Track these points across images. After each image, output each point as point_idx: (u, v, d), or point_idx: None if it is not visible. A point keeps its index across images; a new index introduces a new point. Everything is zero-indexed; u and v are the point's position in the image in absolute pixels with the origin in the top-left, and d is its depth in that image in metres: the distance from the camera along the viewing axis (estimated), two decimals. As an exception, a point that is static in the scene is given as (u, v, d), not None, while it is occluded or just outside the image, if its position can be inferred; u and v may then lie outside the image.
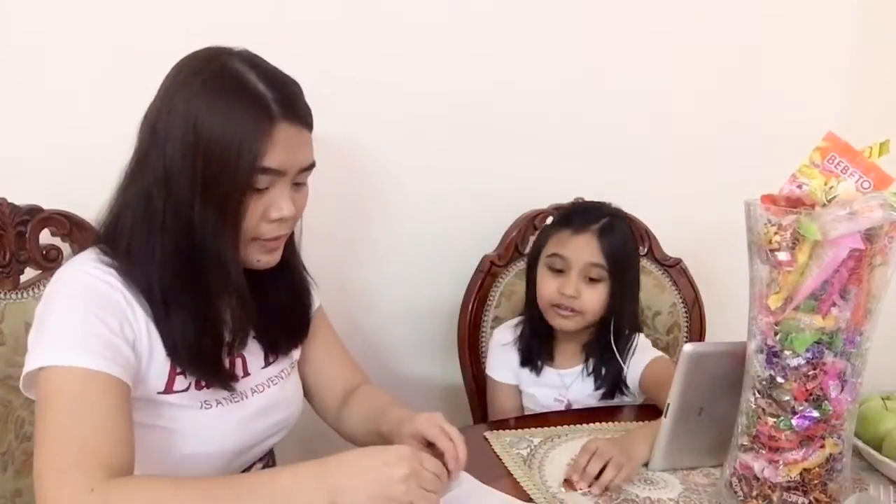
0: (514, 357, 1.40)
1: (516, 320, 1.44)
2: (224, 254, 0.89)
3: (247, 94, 0.87)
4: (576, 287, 1.31)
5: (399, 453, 0.81)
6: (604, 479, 1.00)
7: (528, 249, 1.53)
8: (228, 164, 0.86)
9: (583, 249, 1.32)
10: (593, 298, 1.32)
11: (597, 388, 1.37)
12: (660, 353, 1.38)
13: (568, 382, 1.38)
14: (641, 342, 1.39)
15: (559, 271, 1.33)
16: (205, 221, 0.87)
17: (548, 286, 1.34)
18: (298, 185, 0.95)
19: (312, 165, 0.95)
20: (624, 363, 1.35)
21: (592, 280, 1.32)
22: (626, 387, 1.36)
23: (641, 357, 1.36)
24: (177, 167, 0.87)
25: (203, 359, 0.92)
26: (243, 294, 0.94)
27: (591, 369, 1.37)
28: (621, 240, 1.35)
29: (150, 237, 0.89)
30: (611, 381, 1.36)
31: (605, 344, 1.36)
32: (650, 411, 1.26)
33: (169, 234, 0.88)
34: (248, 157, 0.86)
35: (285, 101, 0.89)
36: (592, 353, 1.38)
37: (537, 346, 1.39)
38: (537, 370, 1.39)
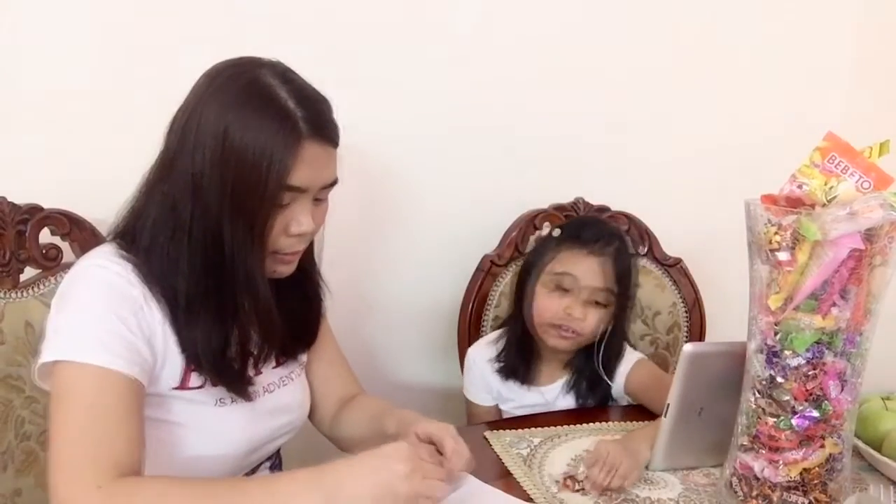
0: (492, 377, 1.37)
1: (493, 336, 1.41)
2: (253, 270, 0.90)
3: (277, 110, 0.87)
4: (583, 309, 1.27)
5: (399, 451, 0.81)
6: (607, 485, 1.00)
7: (528, 249, 1.51)
8: (258, 180, 0.86)
9: (597, 273, 1.28)
10: (596, 321, 1.29)
11: (581, 405, 1.35)
12: (640, 356, 1.37)
13: (551, 399, 1.36)
14: (626, 350, 1.36)
15: (565, 290, 1.29)
16: (234, 235, 0.88)
17: (552, 304, 1.29)
18: (319, 200, 0.95)
19: (335, 182, 0.95)
20: (611, 378, 1.33)
21: (598, 304, 1.29)
22: (613, 400, 1.35)
23: (625, 364, 1.34)
24: (206, 178, 0.87)
25: (226, 369, 0.93)
26: (271, 311, 0.94)
27: (572, 384, 1.35)
28: (629, 263, 1.32)
29: (174, 244, 0.89)
30: (598, 396, 1.35)
31: (588, 363, 1.33)
32: (635, 412, 1.27)
33: (196, 245, 0.89)
34: (275, 175, 0.86)
35: (314, 120, 0.89)
36: (576, 370, 1.35)
37: (520, 363, 1.35)
38: (520, 383, 1.36)
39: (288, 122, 0.87)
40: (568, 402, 1.36)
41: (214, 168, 0.86)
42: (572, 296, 1.28)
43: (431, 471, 0.82)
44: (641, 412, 1.27)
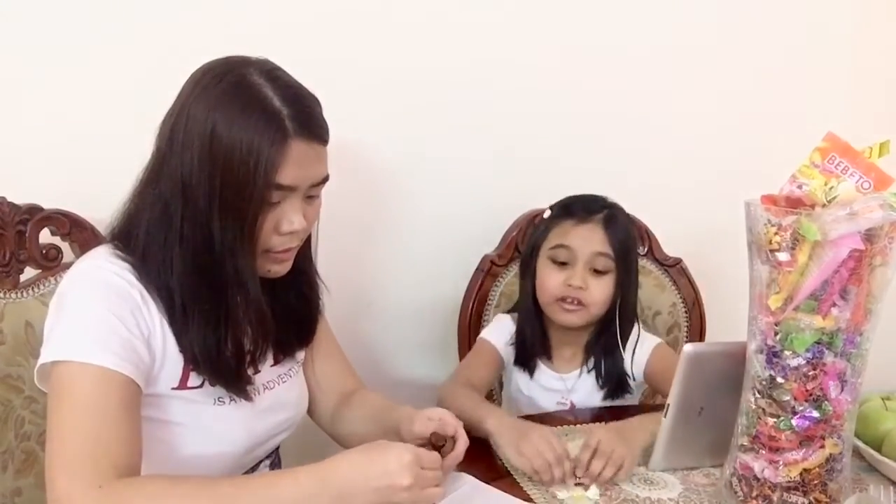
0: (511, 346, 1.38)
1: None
2: (243, 269, 0.90)
3: (262, 109, 0.87)
4: (583, 278, 1.28)
5: (401, 461, 0.82)
6: (604, 477, 1.00)
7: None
8: (246, 179, 0.86)
9: (589, 239, 1.29)
10: (600, 290, 1.29)
11: (602, 387, 1.36)
12: (658, 340, 1.38)
13: (570, 385, 1.36)
14: (641, 333, 1.37)
15: (563, 264, 1.30)
16: (224, 235, 0.88)
17: (552, 279, 1.30)
18: (311, 198, 0.95)
19: (326, 179, 0.95)
20: (626, 357, 1.34)
21: (598, 272, 1.29)
22: (631, 382, 1.35)
23: (643, 346, 1.35)
24: (194, 178, 0.87)
25: (224, 368, 0.93)
26: (262, 310, 0.94)
27: (590, 367, 1.36)
28: (625, 229, 1.33)
29: (167, 246, 0.89)
30: (615, 378, 1.35)
31: (607, 342, 1.34)
32: (651, 412, 1.26)
33: (188, 246, 0.89)
34: (262, 174, 0.86)
35: (300, 118, 0.88)
36: (594, 353, 1.36)
37: (533, 346, 1.36)
38: (531, 371, 1.37)
39: (274, 120, 0.86)
40: (589, 387, 1.36)
41: (203, 168, 0.86)
42: (571, 267, 1.29)
43: (431, 479, 0.84)
44: (643, 413, 1.27)
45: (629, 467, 1.02)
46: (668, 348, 1.37)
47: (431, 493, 0.83)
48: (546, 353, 1.37)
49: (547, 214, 1.38)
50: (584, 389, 1.36)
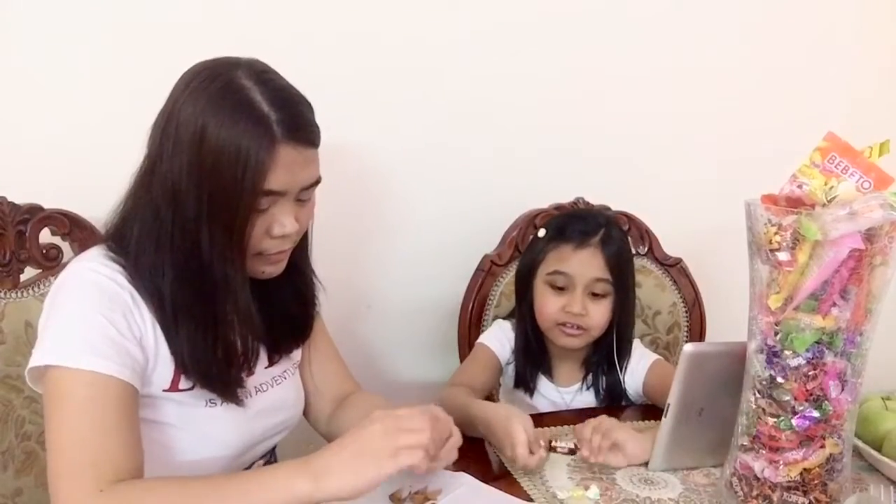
0: (511, 361, 1.37)
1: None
2: (231, 275, 0.89)
3: (250, 114, 0.86)
4: (582, 304, 1.27)
5: (372, 417, 0.84)
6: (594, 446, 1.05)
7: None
8: (234, 185, 0.85)
9: (587, 265, 1.28)
10: (600, 314, 1.29)
11: (600, 403, 1.35)
12: (657, 356, 1.38)
13: (569, 400, 1.36)
14: (639, 350, 1.37)
15: (561, 288, 1.29)
16: (213, 241, 0.87)
17: (551, 304, 1.29)
18: (302, 200, 0.94)
19: (317, 182, 0.94)
20: (622, 372, 1.33)
21: (596, 295, 1.29)
22: (627, 396, 1.35)
23: (641, 362, 1.35)
24: (184, 184, 0.86)
25: (212, 373, 0.93)
26: (251, 316, 0.94)
27: (590, 383, 1.36)
28: (621, 248, 1.32)
29: (158, 251, 0.89)
30: (614, 394, 1.35)
31: (605, 357, 1.34)
32: (652, 412, 1.27)
33: (178, 252, 0.89)
34: (251, 179, 0.85)
35: (288, 122, 0.87)
36: (592, 368, 1.36)
37: (532, 367, 1.36)
38: (531, 393, 1.36)
39: (262, 125, 0.85)
40: (587, 400, 1.36)
41: (192, 174, 0.86)
42: (569, 292, 1.28)
43: (410, 420, 0.84)
44: (644, 413, 1.28)
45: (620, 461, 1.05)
46: (665, 364, 1.35)
47: (414, 436, 0.83)
48: (546, 370, 1.37)
49: (541, 234, 1.34)
50: (582, 404, 1.36)
